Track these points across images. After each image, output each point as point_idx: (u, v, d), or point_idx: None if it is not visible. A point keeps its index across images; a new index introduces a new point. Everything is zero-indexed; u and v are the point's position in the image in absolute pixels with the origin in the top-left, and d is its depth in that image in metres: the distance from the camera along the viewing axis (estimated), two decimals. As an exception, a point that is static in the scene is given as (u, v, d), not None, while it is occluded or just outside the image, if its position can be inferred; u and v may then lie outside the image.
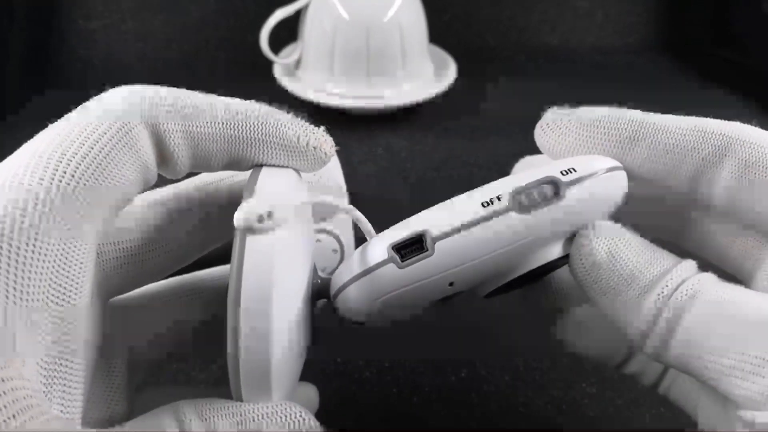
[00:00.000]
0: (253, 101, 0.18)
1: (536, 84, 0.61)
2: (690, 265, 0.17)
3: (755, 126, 0.18)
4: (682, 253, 0.18)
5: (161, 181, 0.19)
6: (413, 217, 0.17)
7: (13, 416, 0.12)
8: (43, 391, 0.13)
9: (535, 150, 0.21)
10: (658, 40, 0.69)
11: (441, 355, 0.31)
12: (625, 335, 0.17)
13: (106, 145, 0.15)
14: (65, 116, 0.16)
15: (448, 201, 0.18)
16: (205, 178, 0.20)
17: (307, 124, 0.19)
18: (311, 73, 0.53)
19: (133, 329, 0.20)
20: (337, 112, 0.53)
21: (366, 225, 0.19)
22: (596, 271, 0.17)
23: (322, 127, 0.19)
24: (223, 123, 0.17)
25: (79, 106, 0.16)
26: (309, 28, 0.53)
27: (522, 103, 0.57)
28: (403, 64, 0.52)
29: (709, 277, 0.16)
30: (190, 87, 0.18)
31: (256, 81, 0.55)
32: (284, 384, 0.17)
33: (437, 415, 0.29)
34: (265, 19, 0.50)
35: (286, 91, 0.53)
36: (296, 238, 0.17)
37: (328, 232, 0.22)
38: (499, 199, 0.17)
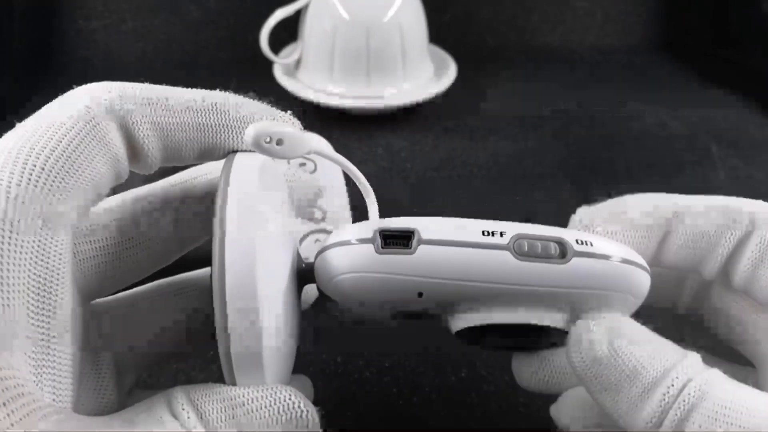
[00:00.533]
0: (216, 90, 0.18)
1: (536, 84, 0.61)
2: (695, 360, 0.16)
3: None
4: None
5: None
6: (418, 218, 0.17)
7: (4, 404, 0.12)
8: (34, 381, 0.14)
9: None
10: (658, 40, 0.69)
11: (441, 355, 0.31)
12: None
13: (74, 139, 0.15)
14: (32, 115, 0.16)
15: (456, 219, 0.17)
16: (182, 176, 0.20)
17: (273, 108, 0.19)
18: (311, 73, 0.53)
19: (117, 332, 0.20)
20: (337, 112, 0.53)
21: (366, 185, 0.19)
22: (596, 367, 0.16)
23: (289, 112, 0.19)
24: (188, 111, 0.17)
25: (46, 105, 0.16)
26: (309, 28, 0.53)
27: (522, 103, 0.57)
28: (403, 64, 0.52)
29: (717, 376, 0.16)
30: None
31: (256, 81, 0.55)
32: (276, 366, 0.16)
33: (437, 415, 0.29)
34: (265, 19, 0.50)
35: (286, 91, 0.53)
36: (275, 218, 0.17)
37: (328, 232, 0.23)
38: (501, 235, 0.16)
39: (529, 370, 0.21)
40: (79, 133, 0.15)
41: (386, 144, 0.50)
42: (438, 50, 0.59)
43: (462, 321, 0.18)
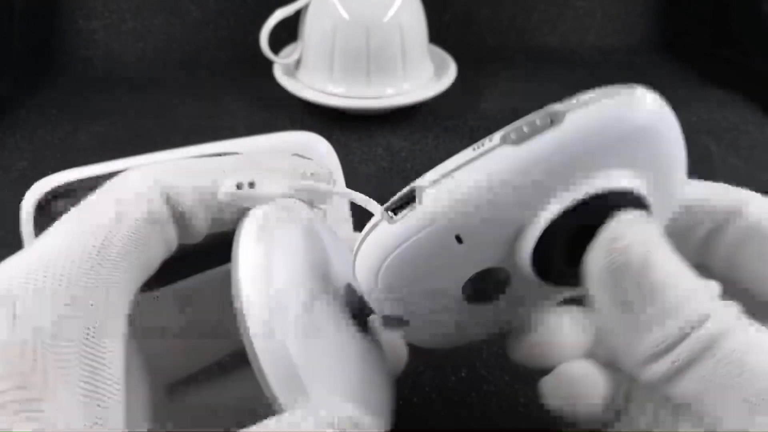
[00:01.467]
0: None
1: (536, 84, 0.61)
2: (718, 290, 0.15)
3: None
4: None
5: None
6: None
7: None
8: None
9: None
10: (658, 40, 0.69)
11: (441, 355, 0.31)
12: (619, 367, 0.16)
13: (131, 226, 0.16)
14: (87, 200, 0.16)
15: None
16: None
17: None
18: (311, 73, 0.53)
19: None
20: (336, 112, 0.53)
21: (368, 203, 0.19)
22: (623, 272, 0.15)
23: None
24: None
25: (99, 189, 0.17)
26: (309, 28, 0.53)
27: (522, 103, 0.57)
28: (403, 64, 0.52)
29: (741, 316, 0.15)
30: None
31: (256, 81, 0.55)
32: (323, 380, 0.16)
33: (437, 415, 0.29)
34: (265, 19, 0.50)
35: (286, 91, 0.53)
36: (293, 227, 0.17)
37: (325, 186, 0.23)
38: (490, 140, 0.16)
39: (524, 343, 0.21)
40: (136, 221, 0.16)
41: (386, 144, 0.50)
42: (438, 50, 0.59)
43: (524, 247, 0.17)
